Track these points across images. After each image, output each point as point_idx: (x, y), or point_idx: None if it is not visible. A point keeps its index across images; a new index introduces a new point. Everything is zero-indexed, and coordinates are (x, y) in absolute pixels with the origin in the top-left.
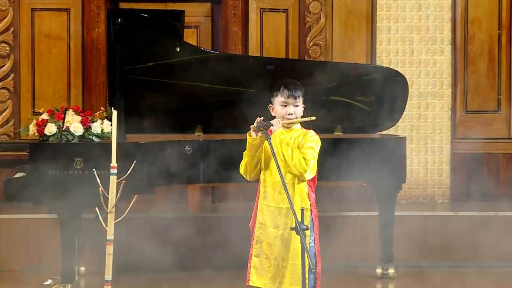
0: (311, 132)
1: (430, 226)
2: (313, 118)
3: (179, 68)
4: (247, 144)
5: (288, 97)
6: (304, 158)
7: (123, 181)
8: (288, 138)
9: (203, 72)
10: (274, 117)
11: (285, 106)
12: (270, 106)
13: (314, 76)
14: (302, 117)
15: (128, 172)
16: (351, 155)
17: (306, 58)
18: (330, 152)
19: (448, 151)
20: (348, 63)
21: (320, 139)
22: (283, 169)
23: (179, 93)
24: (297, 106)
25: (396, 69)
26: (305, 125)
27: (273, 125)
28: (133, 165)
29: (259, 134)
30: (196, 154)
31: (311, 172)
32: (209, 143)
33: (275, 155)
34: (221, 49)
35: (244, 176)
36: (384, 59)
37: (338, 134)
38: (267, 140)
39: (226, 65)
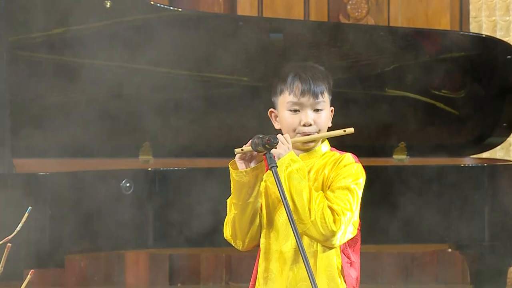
0: (349, 157)
1: None
2: (351, 130)
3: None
4: (231, 184)
5: (303, 94)
6: (332, 209)
7: (8, 244)
8: (304, 169)
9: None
10: (278, 132)
11: (298, 111)
12: (270, 112)
13: (353, 50)
14: (329, 129)
15: (18, 229)
16: (425, 197)
17: (342, 20)
18: (385, 193)
19: None
20: (418, 29)
21: (366, 169)
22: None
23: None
24: (319, 110)
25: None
26: (335, 144)
27: (277, 144)
28: (26, 215)
29: (252, 164)
30: (142, 193)
31: (344, 233)
32: (165, 174)
33: (285, 200)
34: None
35: (232, 243)
36: (484, 22)
37: (400, 158)
38: (272, 171)
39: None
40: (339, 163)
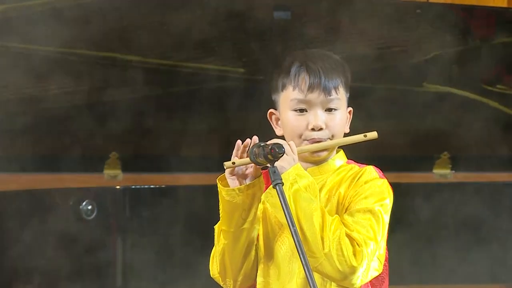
0: (371, 170)
1: None
2: (373, 135)
3: None
4: (220, 206)
5: (311, 89)
6: (351, 239)
7: None
8: (314, 187)
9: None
10: (280, 138)
11: (305, 111)
12: (270, 114)
13: (381, 33)
14: (346, 135)
15: None
16: (476, 224)
17: None
18: (422, 219)
19: None
20: (465, 6)
21: (396, 187)
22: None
23: None
24: (333, 110)
25: None
26: (353, 156)
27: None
28: None
29: (247, 180)
30: (108, 219)
31: (366, 270)
32: (138, 193)
33: (293, 227)
34: None
35: (221, 282)
36: None
37: (443, 173)
38: (276, 190)
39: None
40: (359, 178)
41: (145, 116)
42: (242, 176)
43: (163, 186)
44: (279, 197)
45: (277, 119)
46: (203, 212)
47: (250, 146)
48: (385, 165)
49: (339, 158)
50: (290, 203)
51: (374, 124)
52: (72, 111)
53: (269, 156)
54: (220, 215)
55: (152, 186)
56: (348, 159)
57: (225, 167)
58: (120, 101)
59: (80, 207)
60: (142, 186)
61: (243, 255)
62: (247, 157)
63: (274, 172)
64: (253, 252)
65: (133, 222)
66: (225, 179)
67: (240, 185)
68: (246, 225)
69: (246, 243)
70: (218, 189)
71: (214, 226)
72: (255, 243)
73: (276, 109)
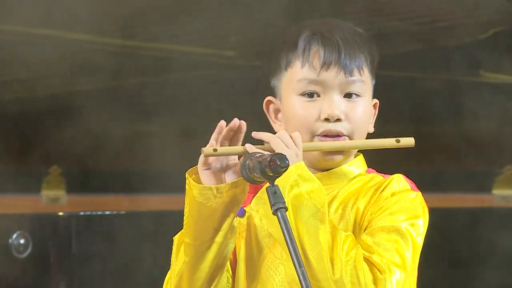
0: (400, 180)
1: None
2: (410, 142)
3: None
4: (186, 209)
5: (327, 66)
6: (371, 263)
7: None
8: (321, 194)
9: None
10: (284, 156)
11: (316, 96)
12: (268, 103)
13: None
14: (369, 136)
15: None
16: None
17: None
18: (473, 251)
19: None
20: None
21: (439, 212)
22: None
23: None
24: (355, 96)
25: None
26: (376, 167)
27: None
28: None
29: (227, 178)
30: (46, 256)
31: None
32: (88, 221)
33: (295, 251)
34: None
35: None
36: None
37: (506, 194)
38: (277, 216)
39: None
40: (384, 189)
41: (96, 117)
42: (220, 170)
43: (121, 212)
44: (281, 226)
45: (277, 111)
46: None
47: (242, 158)
48: (422, 182)
49: (357, 165)
50: (289, 213)
51: (405, 127)
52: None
53: (267, 171)
54: (184, 222)
55: (107, 213)
56: (368, 167)
57: (202, 154)
58: (63, 99)
59: (10, 241)
60: (93, 213)
61: (208, 280)
62: (232, 145)
63: (275, 192)
64: (223, 279)
65: (81, 261)
66: (197, 172)
67: (219, 183)
68: (217, 238)
69: (215, 263)
70: (187, 186)
71: (174, 237)
72: (226, 266)
73: (275, 97)
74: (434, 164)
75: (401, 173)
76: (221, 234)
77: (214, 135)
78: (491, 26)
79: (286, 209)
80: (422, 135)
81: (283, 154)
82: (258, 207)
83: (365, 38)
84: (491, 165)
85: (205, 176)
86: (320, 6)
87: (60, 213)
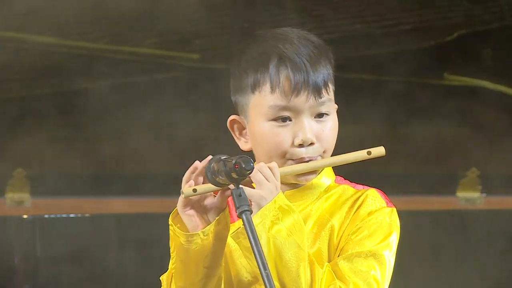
0: (375, 197)
1: None
2: (380, 151)
3: None
4: (173, 254)
5: (297, 91)
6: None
7: None
8: (301, 228)
9: None
10: (246, 154)
11: (288, 120)
12: (232, 122)
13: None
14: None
15: None
16: None
17: None
18: (439, 256)
19: None
20: None
21: (405, 216)
22: None
23: None
24: (324, 116)
25: None
26: (342, 172)
27: (251, 172)
28: None
29: (210, 216)
30: (9, 263)
31: None
32: (55, 224)
33: (264, 269)
34: None
35: None
36: None
37: (470, 196)
38: (242, 219)
39: None
40: (359, 207)
41: (62, 116)
42: (202, 210)
43: (86, 215)
44: (245, 229)
45: (242, 129)
46: (147, 250)
47: (207, 161)
48: (389, 186)
49: (326, 176)
50: (269, 249)
51: (371, 131)
52: None
53: (232, 174)
54: (173, 267)
55: (72, 215)
56: (335, 175)
57: (182, 195)
58: (28, 98)
59: None
60: (59, 215)
61: None
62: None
63: (240, 195)
64: None
65: (47, 266)
66: (179, 218)
67: (203, 223)
68: (210, 275)
69: None
70: (171, 232)
71: (161, 277)
72: None
73: (239, 115)
74: (398, 167)
75: (369, 180)
76: (213, 271)
77: (187, 175)
78: (456, 29)
79: (251, 212)
80: (387, 138)
81: (247, 157)
82: (239, 241)
83: (324, 48)
84: (455, 167)
85: (187, 218)
86: (286, 10)
87: (24, 216)
